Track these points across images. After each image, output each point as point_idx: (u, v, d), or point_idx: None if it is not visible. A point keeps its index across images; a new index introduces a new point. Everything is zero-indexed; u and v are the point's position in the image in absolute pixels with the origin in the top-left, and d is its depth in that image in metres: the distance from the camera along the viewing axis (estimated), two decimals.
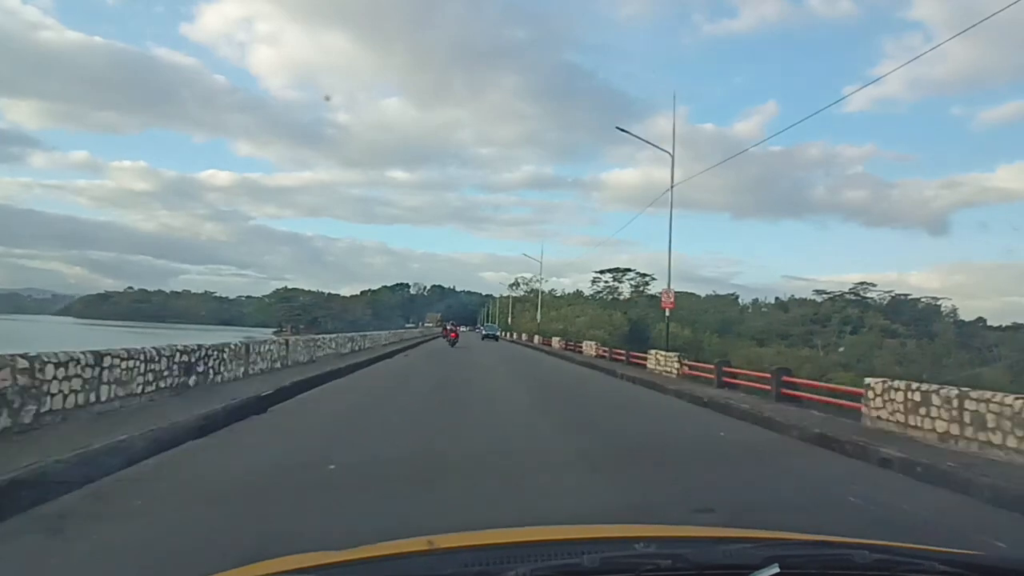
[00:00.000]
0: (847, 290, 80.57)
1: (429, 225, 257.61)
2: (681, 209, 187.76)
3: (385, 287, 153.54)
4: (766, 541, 1.44)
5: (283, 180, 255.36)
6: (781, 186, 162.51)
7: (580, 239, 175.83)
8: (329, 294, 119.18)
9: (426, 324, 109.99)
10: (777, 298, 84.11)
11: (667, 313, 20.44)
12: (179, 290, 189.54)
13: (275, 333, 64.42)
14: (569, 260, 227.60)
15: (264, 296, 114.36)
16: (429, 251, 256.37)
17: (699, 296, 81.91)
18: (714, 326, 71.07)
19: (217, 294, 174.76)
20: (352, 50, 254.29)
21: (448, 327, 69.84)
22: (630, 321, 62.70)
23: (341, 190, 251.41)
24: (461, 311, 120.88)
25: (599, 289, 74.35)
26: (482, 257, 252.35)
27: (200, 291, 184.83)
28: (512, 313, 78.42)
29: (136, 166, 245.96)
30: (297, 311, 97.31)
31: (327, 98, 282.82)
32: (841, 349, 59.30)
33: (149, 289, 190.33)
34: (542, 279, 61.20)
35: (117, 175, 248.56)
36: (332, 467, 5.43)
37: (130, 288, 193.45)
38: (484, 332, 59.31)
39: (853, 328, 66.45)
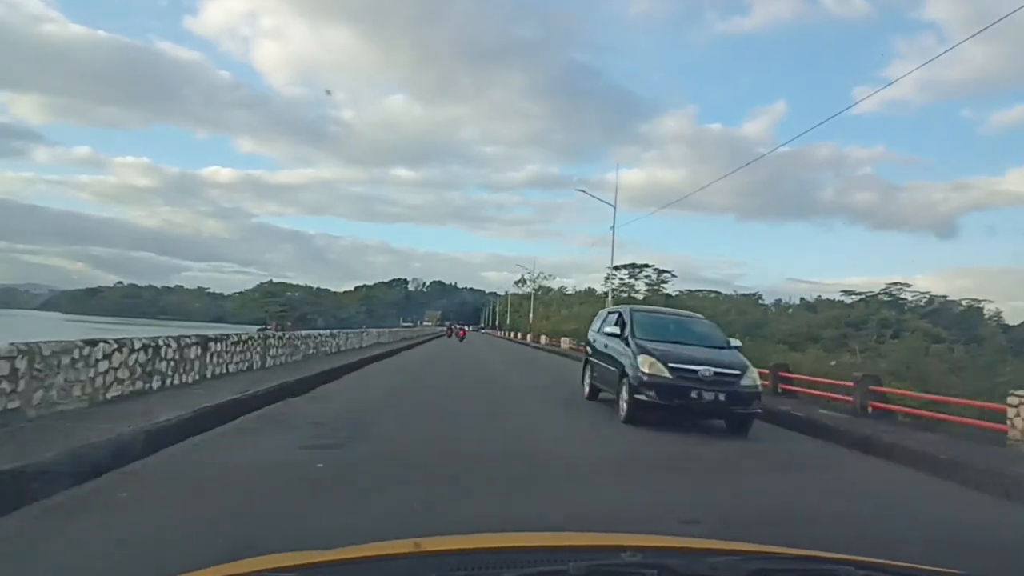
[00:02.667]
0: (879, 290, 75.25)
1: (431, 224, 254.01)
2: (686, 211, 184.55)
3: (381, 283, 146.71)
4: (753, 554, 1.44)
5: (286, 178, 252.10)
6: (787, 188, 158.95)
7: (583, 240, 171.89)
8: (319, 289, 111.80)
9: (424, 323, 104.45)
10: (802, 299, 78.81)
11: None
12: (171, 285, 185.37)
13: (260, 331, 58.85)
14: (572, 259, 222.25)
15: (248, 291, 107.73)
16: (431, 250, 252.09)
17: (718, 295, 76.40)
18: (740, 328, 65.67)
19: (211, 290, 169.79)
20: (357, 46, 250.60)
21: (454, 326, 65.25)
22: None
23: (343, 188, 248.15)
24: (463, 309, 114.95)
25: (614, 286, 68.19)
26: (484, 257, 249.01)
27: (193, 287, 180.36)
28: (522, 312, 72.63)
29: (139, 162, 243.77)
30: (283, 307, 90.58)
31: (328, 92, 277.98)
32: (867, 356, 54.67)
33: (140, 284, 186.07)
34: (613, 264, 52.48)
35: (120, 171, 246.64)
36: None
37: (120, 283, 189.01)
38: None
39: (894, 332, 60.93)
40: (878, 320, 62.22)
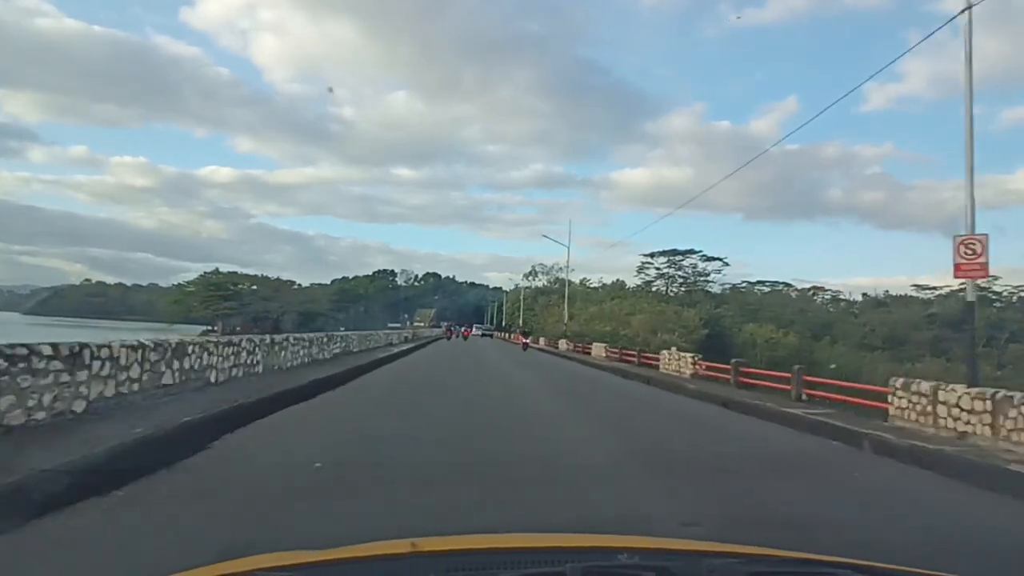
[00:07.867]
0: (959, 284, 63.33)
1: (433, 225, 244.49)
2: (693, 210, 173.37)
3: (364, 276, 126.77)
4: (751, 557, 1.43)
5: (285, 177, 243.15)
6: (795, 187, 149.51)
7: (588, 240, 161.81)
8: (280, 280, 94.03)
9: (416, 323, 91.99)
10: (865, 294, 66.96)
11: None
12: (144, 283, 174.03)
13: (204, 334, 45.55)
14: (577, 259, 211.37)
15: (186, 283, 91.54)
16: (432, 251, 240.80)
17: (786, 288, 64.42)
18: (806, 328, 53.48)
19: (189, 287, 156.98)
20: (358, 41, 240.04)
21: (454, 327, 54.74)
22: (704, 322, 44.95)
23: (344, 188, 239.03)
24: (465, 308, 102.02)
25: (651, 278, 55.73)
26: (486, 258, 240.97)
27: (167, 284, 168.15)
28: (536, 309, 60.03)
29: (136, 162, 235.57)
30: (230, 302, 76.07)
31: (330, 89, 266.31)
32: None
33: (108, 282, 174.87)
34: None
35: (117, 171, 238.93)
36: None
37: (87, 280, 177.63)
38: None
39: (1011, 334, 48.90)
40: (985, 320, 50.65)
